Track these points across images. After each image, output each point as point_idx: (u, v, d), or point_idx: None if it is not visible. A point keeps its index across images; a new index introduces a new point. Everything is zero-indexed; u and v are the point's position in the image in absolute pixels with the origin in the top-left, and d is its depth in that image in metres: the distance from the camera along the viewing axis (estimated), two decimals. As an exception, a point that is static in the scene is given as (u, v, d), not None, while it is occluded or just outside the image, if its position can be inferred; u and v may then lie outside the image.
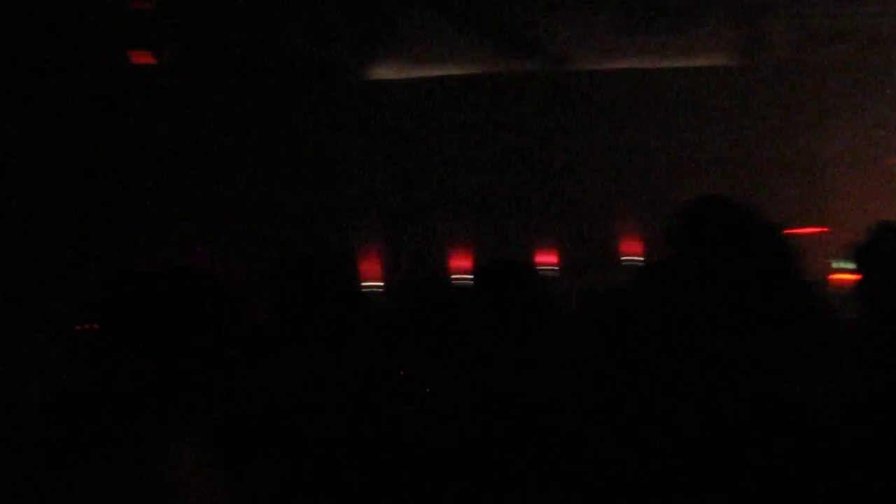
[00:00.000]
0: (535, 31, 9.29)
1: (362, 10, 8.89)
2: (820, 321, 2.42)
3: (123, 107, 8.64)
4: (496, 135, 9.40)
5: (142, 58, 8.76)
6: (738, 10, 9.25)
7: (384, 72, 9.39)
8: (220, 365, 2.18)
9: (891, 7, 8.87)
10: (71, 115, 8.39)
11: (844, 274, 3.25)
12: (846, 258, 3.07)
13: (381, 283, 8.25)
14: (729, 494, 2.08)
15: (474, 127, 9.37)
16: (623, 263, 8.89)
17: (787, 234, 2.42)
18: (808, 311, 2.33)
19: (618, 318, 3.04)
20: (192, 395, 2.14)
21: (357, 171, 9.00)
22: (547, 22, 9.27)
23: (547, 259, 8.82)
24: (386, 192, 9.21)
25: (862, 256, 2.97)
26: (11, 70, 8.07)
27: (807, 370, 2.22)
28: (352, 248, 8.28)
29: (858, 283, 2.93)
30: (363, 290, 2.82)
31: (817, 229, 8.23)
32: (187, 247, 7.96)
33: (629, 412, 2.46)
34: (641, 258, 8.75)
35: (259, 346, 2.49)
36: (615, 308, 3.17)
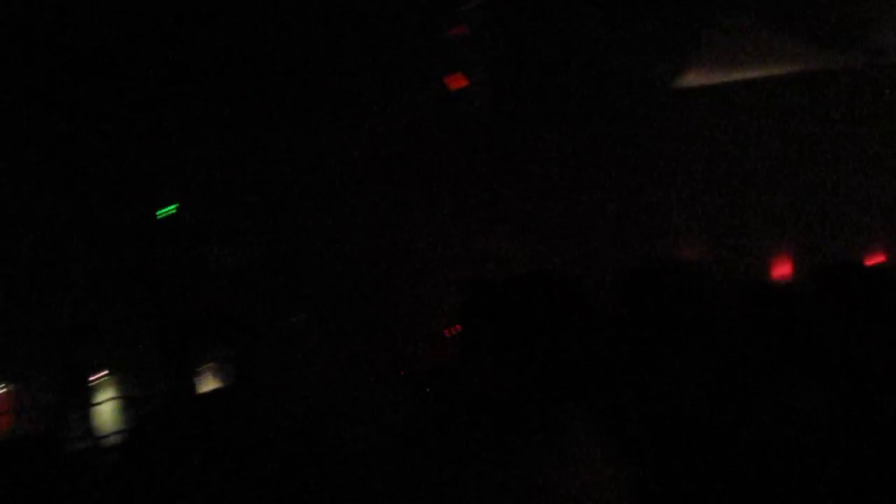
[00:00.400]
0: (852, 22, 8.87)
1: (669, 17, 8.83)
2: None
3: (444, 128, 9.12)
4: (813, 136, 9.07)
5: (457, 82, 9.15)
6: None
7: (692, 79, 9.28)
8: (581, 367, 2.24)
9: None
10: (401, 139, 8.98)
11: None
12: None
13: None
14: None
15: (789, 130, 9.08)
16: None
17: None
18: None
19: None
20: (553, 398, 2.21)
21: (671, 180, 8.97)
22: (864, 12, 8.84)
23: (877, 259, 8.41)
24: (700, 200, 9.10)
25: None
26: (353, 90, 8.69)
27: None
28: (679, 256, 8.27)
29: None
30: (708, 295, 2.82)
31: None
32: (537, 255, 8.29)
33: None
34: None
35: (615, 349, 2.54)
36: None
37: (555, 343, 2.25)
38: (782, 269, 8.61)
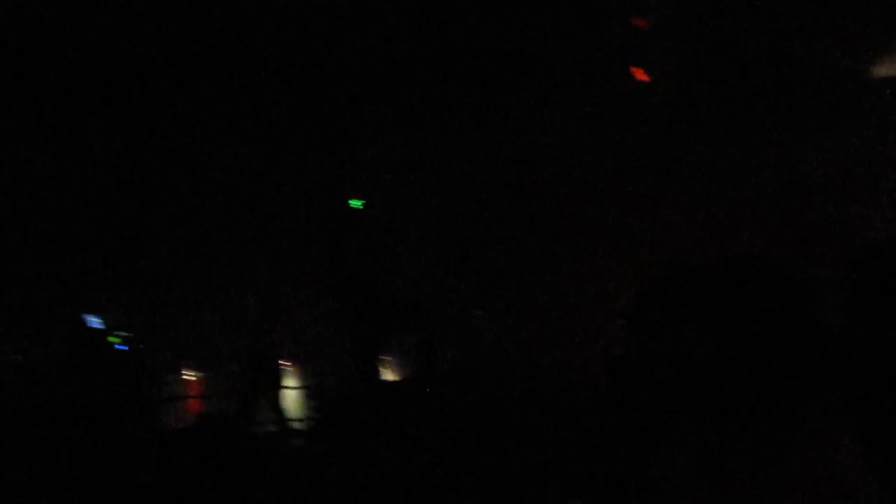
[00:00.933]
0: None
1: (862, 5, 8.47)
2: None
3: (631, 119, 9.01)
4: None
5: (639, 75, 9.02)
6: None
7: (889, 69, 8.88)
8: (789, 360, 2.16)
9: None
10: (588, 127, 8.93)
11: None
12: None
13: None
14: None
15: None
16: None
17: None
18: None
19: None
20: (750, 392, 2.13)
21: (868, 172, 8.59)
22: None
23: None
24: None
25: None
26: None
27: None
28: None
29: None
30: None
31: None
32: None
33: None
34: None
35: (833, 342, 2.42)
36: None
37: (758, 333, 2.18)
38: None
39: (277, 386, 8.13)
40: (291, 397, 9.43)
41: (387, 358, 9.65)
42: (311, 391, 9.95)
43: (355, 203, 7.19)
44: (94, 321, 9.23)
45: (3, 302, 8.84)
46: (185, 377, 11.97)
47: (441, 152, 8.98)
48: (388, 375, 9.83)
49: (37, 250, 8.99)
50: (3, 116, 8.28)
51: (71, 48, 8.03)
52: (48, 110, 8.37)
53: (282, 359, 8.38)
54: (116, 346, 9.32)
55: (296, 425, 8.50)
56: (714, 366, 2.16)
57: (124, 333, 9.42)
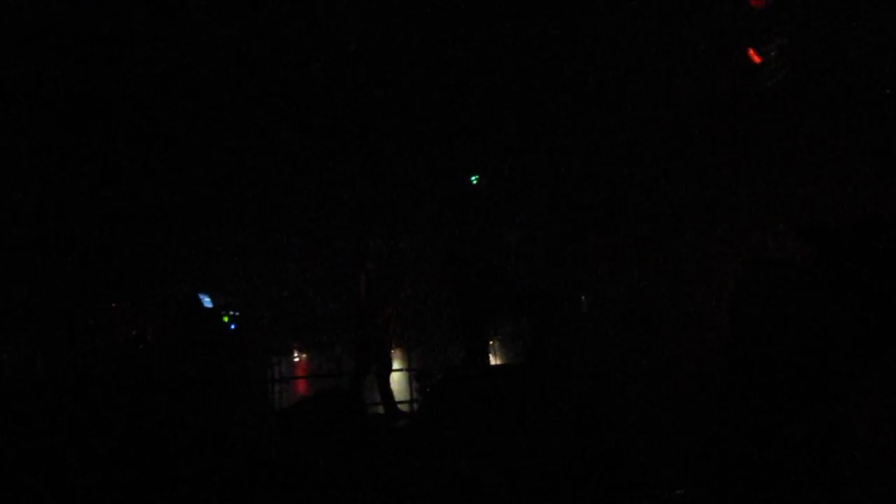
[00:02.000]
0: None
1: None
2: None
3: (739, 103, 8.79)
4: None
5: (753, 56, 8.80)
6: None
7: None
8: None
9: None
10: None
11: None
12: None
13: None
14: None
15: None
16: None
17: None
18: None
19: None
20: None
21: None
22: None
23: None
24: None
25: None
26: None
27: None
28: None
29: None
30: None
31: None
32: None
33: None
34: None
35: None
36: None
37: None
38: None
39: (385, 368, 8.18)
40: (398, 380, 9.51)
41: (495, 342, 9.66)
42: (417, 374, 10.02)
43: (475, 178, 7.18)
44: (208, 301, 9.43)
45: (121, 280, 9.08)
46: (293, 358, 12.18)
47: (552, 141, 8.92)
48: (497, 360, 9.85)
49: (154, 232, 9.22)
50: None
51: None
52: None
53: (390, 342, 8.43)
54: (227, 326, 9.51)
55: (402, 407, 8.56)
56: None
57: (235, 313, 9.60)
